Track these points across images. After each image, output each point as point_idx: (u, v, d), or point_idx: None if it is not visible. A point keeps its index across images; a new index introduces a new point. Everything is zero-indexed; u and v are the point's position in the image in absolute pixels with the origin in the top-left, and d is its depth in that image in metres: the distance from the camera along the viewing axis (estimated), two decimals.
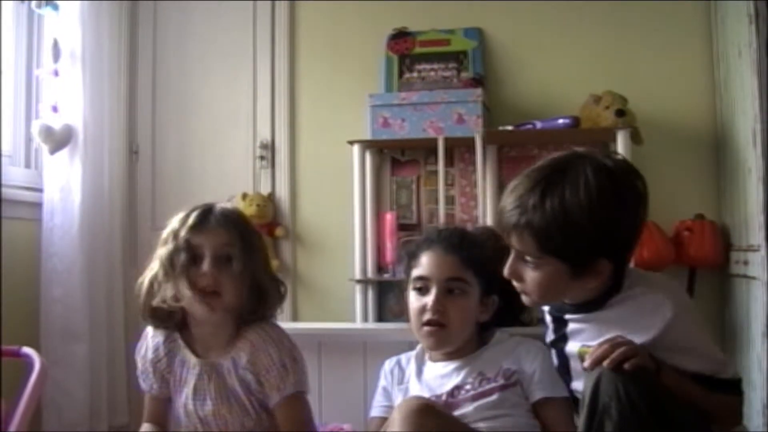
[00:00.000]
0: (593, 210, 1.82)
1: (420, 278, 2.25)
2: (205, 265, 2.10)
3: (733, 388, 1.88)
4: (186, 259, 2.10)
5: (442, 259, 2.24)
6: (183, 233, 2.13)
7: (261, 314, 2.21)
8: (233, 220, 2.20)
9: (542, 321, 2.36)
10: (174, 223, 2.17)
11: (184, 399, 2.20)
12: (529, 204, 1.87)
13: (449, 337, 2.22)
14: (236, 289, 2.13)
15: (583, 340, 2.01)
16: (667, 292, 1.91)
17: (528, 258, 1.93)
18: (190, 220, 2.14)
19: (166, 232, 2.17)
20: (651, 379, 1.69)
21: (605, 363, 1.69)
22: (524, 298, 2.04)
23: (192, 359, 2.20)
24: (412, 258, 2.30)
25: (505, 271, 1.99)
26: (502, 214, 1.95)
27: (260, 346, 2.13)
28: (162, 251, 2.15)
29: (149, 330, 2.28)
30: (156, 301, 2.16)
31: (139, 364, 2.29)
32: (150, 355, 2.25)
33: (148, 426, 2.29)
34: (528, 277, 1.96)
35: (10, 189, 3.14)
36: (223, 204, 2.23)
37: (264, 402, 2.17)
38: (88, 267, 3.28)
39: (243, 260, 2.13)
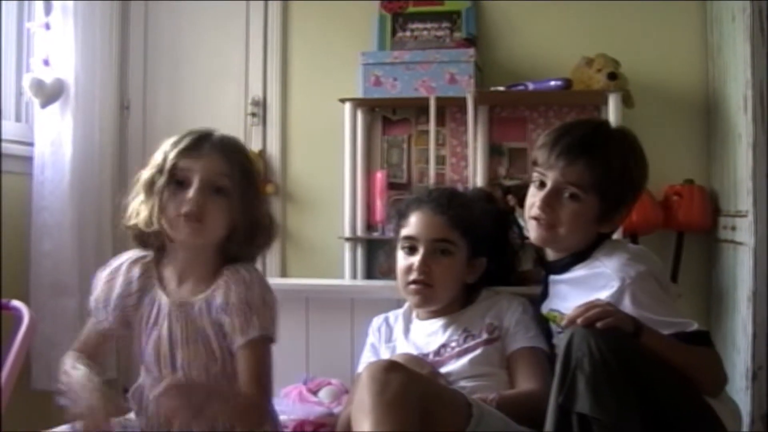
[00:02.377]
0: (637, 164, 2.10)
1: (408, 238, 2.26)
2: (191, 192, 1.90)
3: (703, 341, 1.91)
4: (167, 182, 1.91)
5: (431, 219, 2.24)
6: (171, 155, 1.93)
7: (248, 253, 2.02)
8: (232, 147, 2.01)
9: (531, 280, 2.45)
10: (165, 145, 1.98)
11: (155, 342, 1.98)
12: (596, 142, 2.08)
13: (434, 297, 2.24)
14: (222, 223, 1.94)
15: (549, 304, 2.16)
16: (619, 270, 1.98)
17: (573, 191, 2.04)
18: (182, 143, 1.95)
19: (156, 154, 1.98)
20: (624, 340, 1.74)
21: (578, 321, 1.75)
22: (537, 233, 2.12)
23: (163, 299, 1.99)
24: (401, 217, 2.32)
25: (540, 202, 2.08)
26: (557, 145, 2.08)
27: (231, 286, 1.92)
28: (145, 172, 1.97)
29: (126, 257, 2.07)
30: (132, 222, 1.99)
31: (99, 290, 2.05)
32: (119, 288, 2.02)
33: (75, 354, 2.02)
34: (563, 209, 2.06)
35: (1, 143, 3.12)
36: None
37: (231, 348, 1.95)
38: (78, 221, 3.28)
39: (237, 195, 1.94)
